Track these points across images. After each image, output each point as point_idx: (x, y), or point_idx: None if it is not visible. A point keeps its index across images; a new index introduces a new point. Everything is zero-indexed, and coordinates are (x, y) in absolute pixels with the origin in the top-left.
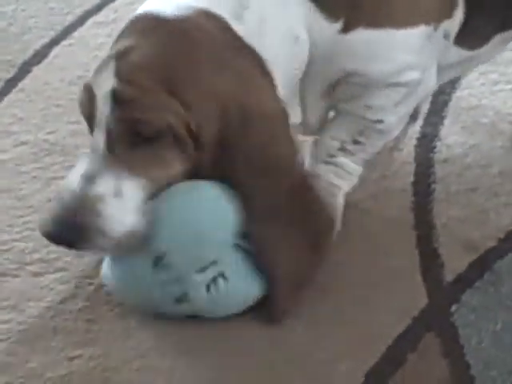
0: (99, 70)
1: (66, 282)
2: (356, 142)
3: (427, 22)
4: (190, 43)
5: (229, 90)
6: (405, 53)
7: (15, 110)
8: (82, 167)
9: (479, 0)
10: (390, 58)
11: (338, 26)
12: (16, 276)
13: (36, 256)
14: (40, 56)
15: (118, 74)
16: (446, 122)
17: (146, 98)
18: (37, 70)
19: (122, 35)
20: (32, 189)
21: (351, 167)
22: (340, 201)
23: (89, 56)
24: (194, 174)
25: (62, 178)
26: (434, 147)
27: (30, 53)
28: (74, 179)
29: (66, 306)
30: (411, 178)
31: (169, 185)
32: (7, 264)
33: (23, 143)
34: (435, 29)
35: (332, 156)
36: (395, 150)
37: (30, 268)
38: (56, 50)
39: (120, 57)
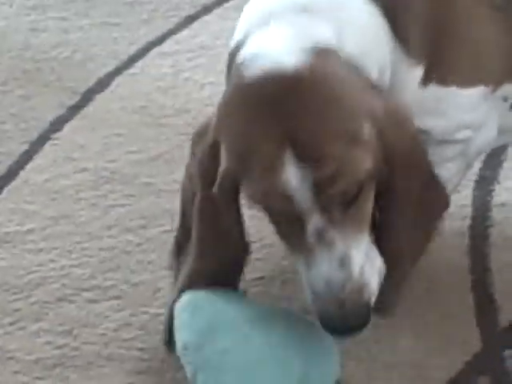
0: (271, 168)
1: (121, 309)
2: None
3: (487, 83)
4: (328, 90)
5: (373, 106)
6: (461, 111)
7: (77, 137)
8: (325, 257)
9: None
10: (449, 116)
11: (419, 73)
12: (72, 302)
13: (93, 282)
14: (103, 84)
15: (302, 159)
16: (505, 165)
17: (341, 166)
18: (99, 98)
19: (251, 106)
20: (90, 216)
21: None
22: None
23: (151, 86)
24: None
25: (121, 205)
26: (492, 190)
27: (93, 81)
28: (335, 274)
29: (120, 334)
30: (468, 221)
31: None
32: (64, 289)
33: (83, 170)
34: (493, 90)
35: None
36: (452, 193)
37: (86, 294)
38: (119, 79)
39: (290, 140)
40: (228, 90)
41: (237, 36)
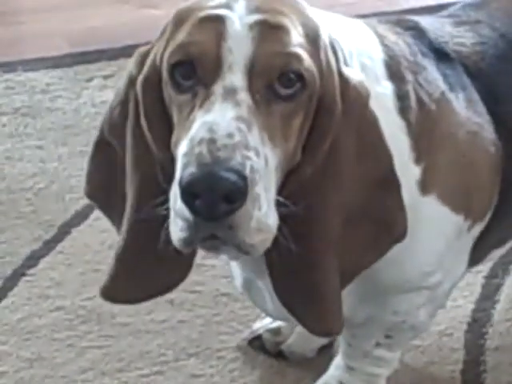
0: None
1: None
2: (388, 337)
3: (468, 216)
4: None
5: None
6: (439, 246)
7: (52, 273)
8: (225, 109)
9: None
10: (427, 253)
11: (418, 172)
12: None
13: None
14: (80, 217)
15: (251, 7)
16: (499, 307)
17: (289, 39)
18: (76, 232)
19: None
20: (66, 358)
21: (389, 356)
22: None
23: None
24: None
25: (98, 347)
26: (486, 333)
27: (70, 213)
28: (226, 121)
29: None
30: (460, 366)
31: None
32: None
33: (59, 308)
34: (469, 228)
35: (368, 352)
36: (444, 335)
37: None
38: (97, 212)
39: None
40: None
41: None
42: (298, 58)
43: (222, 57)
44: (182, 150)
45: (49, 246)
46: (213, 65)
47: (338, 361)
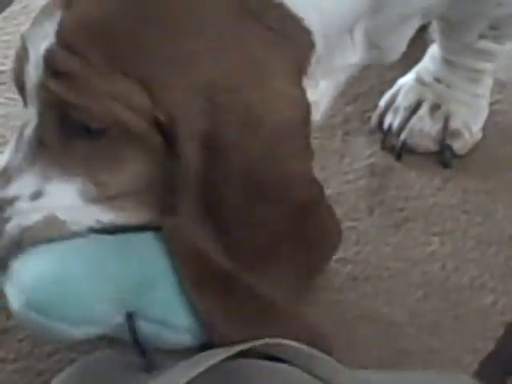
0: (40, 20)
1: None
2: (495, 29)
3: None
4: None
5: (225, 77)
6: None
7: None
8: (2, 159)
9: None
10: None
11: None
12: None
13: None
14: None
15: (60, 32)
16: None
17: (88, 75)
18: None
19: None
20: None
21: (495, 48)
22: (488, 83)
23: None
24: (169, 186)
25: None
26: None
27: None
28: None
29: None
30: None
31: (135, 192)
32: None
33: None
34: None
35: (470, 45)
36: None
37: None
38: None
39: (68, 5)
40: None
41: None
42: (83, 110)
43: (24, 89)
44: None
45: None
46: (23, 95)
47: (433, 52)
